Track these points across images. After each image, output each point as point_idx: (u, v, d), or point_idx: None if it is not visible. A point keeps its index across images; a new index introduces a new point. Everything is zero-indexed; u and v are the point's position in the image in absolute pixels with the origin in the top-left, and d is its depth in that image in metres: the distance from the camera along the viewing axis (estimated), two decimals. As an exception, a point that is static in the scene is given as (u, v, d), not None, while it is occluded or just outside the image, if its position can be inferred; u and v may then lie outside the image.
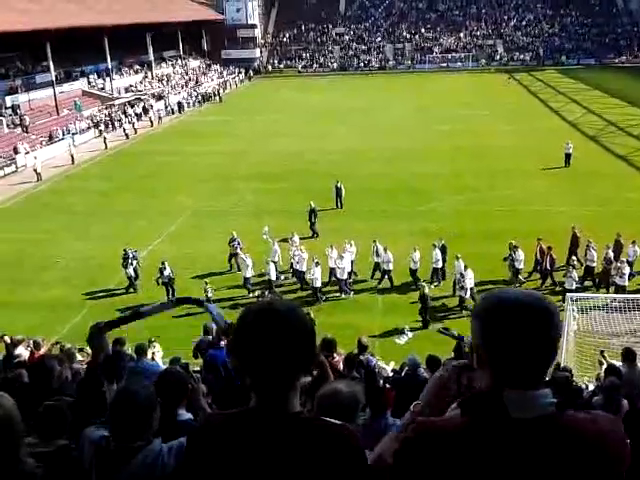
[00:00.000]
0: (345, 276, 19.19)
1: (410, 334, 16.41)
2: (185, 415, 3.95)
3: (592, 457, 1.62)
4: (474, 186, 29.16)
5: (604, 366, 9.34)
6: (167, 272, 19.13)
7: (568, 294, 15.45)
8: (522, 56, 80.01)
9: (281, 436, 1.75)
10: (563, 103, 50.77)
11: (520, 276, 19.23)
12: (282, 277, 20.42)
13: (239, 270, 20.47)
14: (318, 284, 18.95)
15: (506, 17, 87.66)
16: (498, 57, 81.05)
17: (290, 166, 34.40)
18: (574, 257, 19.25)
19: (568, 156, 31.62)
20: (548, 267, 18.95)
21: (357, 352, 9.25)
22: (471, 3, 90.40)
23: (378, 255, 19.73)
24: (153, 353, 12.67)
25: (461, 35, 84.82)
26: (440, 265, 19.41)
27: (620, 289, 17.59)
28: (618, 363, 8.08)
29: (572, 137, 35.97)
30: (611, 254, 18.60)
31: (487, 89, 60.44)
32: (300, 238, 21.70)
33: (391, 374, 9.85)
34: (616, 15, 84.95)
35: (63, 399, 3.65)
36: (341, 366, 7.56)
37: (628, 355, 7.98)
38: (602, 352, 11.03)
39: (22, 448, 2.56)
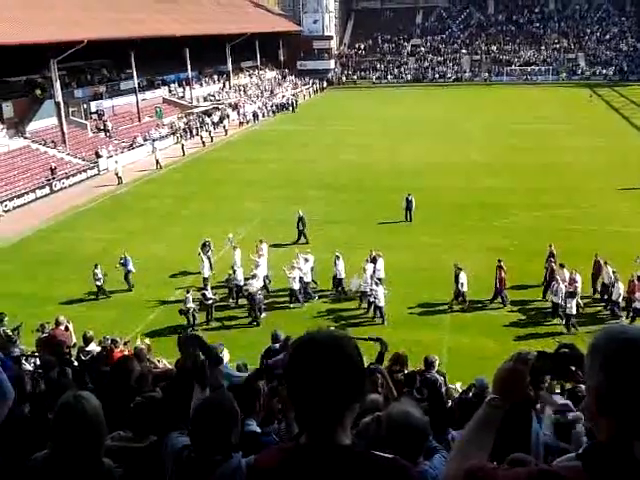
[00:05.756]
0: (297, 286, 19.29)
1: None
2: (252, 426, 3.92)
3: None
4: (551, 203, 28.30)
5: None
6: (190, 304, 18.63)
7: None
8: (605, 70, 77.13)
9: (335, 471, 1.72)
10: (648, 120, 48.55)
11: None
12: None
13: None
14: (296, 286, 19.25)
15: (589, 30, 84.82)
16: (580, 71, 78.47)
17: (360, 177, 34.45)
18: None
19: (648, 177, 30.23)
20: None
21: (423, 370, 9.15)
22: (552, 16, 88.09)
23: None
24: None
25: (541, 48, 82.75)
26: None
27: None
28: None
29: (657, 156, 34.38)
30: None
31: (567, 104, 58.49)
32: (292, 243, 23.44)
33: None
34: None
35: (154, 396, 3.74)
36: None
37: None
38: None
39: (103, 448, 2.66)
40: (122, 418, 3.58)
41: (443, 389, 8.89)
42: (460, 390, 10.36)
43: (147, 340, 14.40)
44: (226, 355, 14.42)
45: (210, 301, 18.99)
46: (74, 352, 11.28)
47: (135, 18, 48.91)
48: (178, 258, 22.86)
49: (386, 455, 1.84)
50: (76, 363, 9.78)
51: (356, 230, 25.61)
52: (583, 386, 1.73)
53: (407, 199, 26.90)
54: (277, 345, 10.41)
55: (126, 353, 9.62)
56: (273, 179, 35.01)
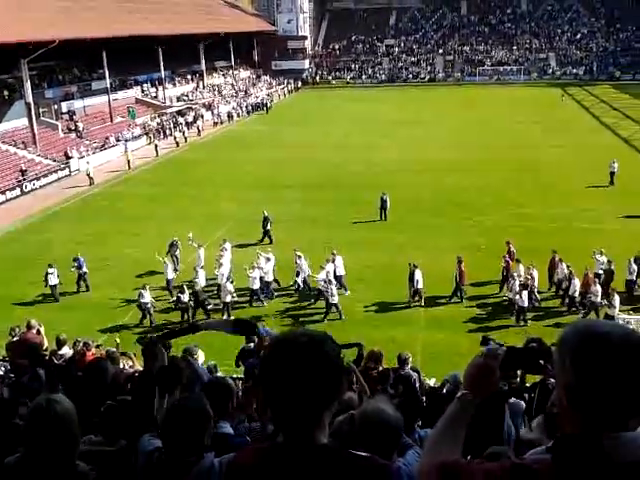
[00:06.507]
0: (257, 285, 19.46)
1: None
2: (225, 428, 3.83)
3: None
4: (522, 201, 28.69)
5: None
6: (145, 299, 18.57)
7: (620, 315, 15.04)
8: (575, 70, 78.52)
9: (312, 470, 1.71)
10: (617, 119, 49.51)
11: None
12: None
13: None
14: (256, 286, 19.45)
15: (559, 31, 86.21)
16: (551, 71, 79.74)
17: (334, 176, 34.48)
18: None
19: (612, 175, 30.78)
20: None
21: (397, 367, 9.21)
22: (524, 17, 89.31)
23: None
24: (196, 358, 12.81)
25: (513, 48, 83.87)
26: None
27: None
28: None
29: (625, 154, 35.12)
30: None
31: (539, 103, 59.28)
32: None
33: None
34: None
35: (124, 399, 3.69)
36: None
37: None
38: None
39: (77, 451, 2.63)
40: (95, 421, 3.52)
41: (417, 385, 8.96)
42: (434, 386, 10.46)
43: (117, 338, 14.32)
44: (201, 356, 14.32)
45: (184, 305, 18.83)
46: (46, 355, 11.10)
47: (107, 17, 48.26)
48: (151, 259, 22.56)
49: (364, 454, 1.83)
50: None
51: (330, 230, 25.61)
52: (553, 380, 1.76)
53: (382, 198, 27.00)
54: (252, 345, 10.40)
55: (98, 356, 9.50)
56: (248, 179, 34.86)
